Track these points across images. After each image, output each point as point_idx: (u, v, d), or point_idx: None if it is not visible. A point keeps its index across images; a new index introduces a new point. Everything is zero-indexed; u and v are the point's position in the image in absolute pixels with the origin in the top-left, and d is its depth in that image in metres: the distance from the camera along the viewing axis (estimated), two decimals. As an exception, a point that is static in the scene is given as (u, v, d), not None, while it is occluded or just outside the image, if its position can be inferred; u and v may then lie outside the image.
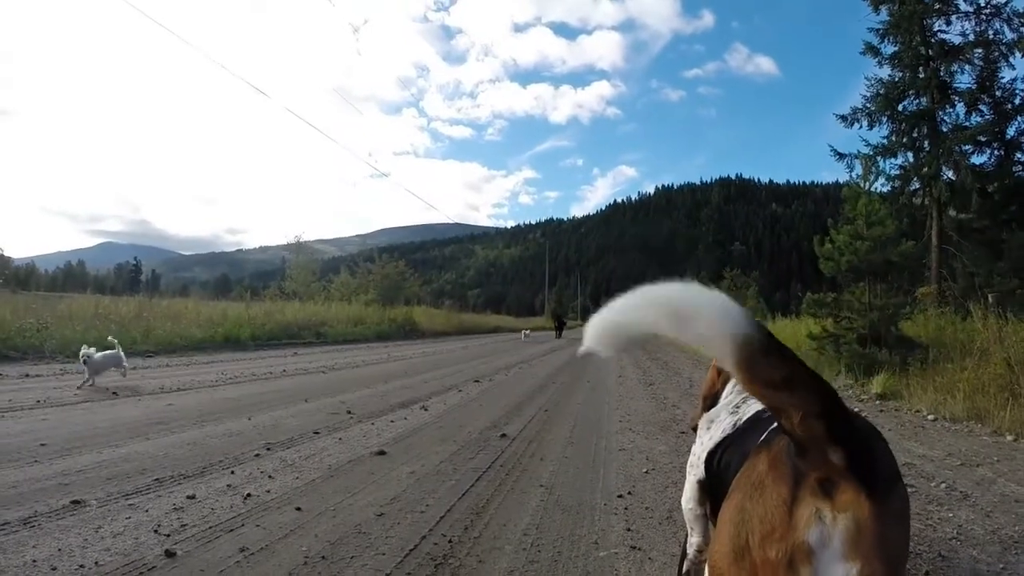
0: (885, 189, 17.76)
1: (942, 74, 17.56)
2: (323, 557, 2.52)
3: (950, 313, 11.78)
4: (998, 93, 16.91)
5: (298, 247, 37.87)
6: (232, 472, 3.69)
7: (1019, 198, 16.28)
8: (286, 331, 18.33)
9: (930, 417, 6.71)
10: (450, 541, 2.75)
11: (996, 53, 16.82)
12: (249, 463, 3.91)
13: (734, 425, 1.90)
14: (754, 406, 1.89)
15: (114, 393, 6.48)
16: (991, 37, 16.91)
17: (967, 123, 17.30)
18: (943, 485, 3.91)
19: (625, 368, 12.19)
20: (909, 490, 3.71)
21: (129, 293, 25.88)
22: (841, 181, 19.74)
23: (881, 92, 18.47)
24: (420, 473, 3.84)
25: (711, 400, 2.24)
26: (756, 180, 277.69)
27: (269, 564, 2.43)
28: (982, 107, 17.21)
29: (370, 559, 2.53)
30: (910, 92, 18.23)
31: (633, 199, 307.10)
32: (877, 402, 7.95)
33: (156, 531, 2.73)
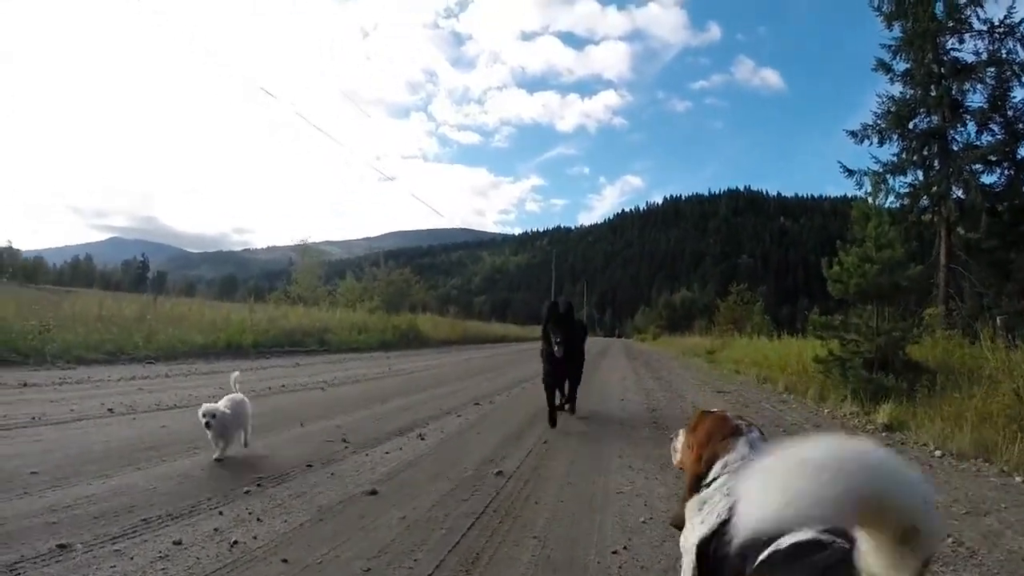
0: (895, 206, 17.78)
1: (954, 92, 17.56)
2: (306, 623, 2.47)
3: (958, 336, 11.71)
4: (1010, 113, 16.94)
5: (304, 249, 37.97)
6: (220, 513, 3.63)
7: (1028, 219, 16.25)
8: (289, 338, 18.28)
9: (937, 453, 6.64)
10: (437, 605, 2.70)
11: (1008, 72, 16.83)
12: (238, 501, 3.85)
13: (729, 509, 1.82)
14: None
15: (110, 410, 6.43)
16: (1004, 56, 16.90)
17: (978, 142, 17.35)
18: (950, 539, 3.84)
19: (628, 390, 12.12)
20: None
21: (136, 290, 26.03)
22: (849, 195, 19.81)
23: (892, 109, 18.49)
24: (411, 519, 3.77)
25: (698, 483, 2.13)
26: (764, 192, 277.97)
27: (250, 631, 2.38)
28: (993, 126, 17.25)
29: (354, 626, 2.47)
30: (921, 110, 18.25)
31: (640, 208, 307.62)
32: (883, 434, 7.87)
33: (139, 584, 2.68)
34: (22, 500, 3.58)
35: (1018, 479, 5.46)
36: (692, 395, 11.77)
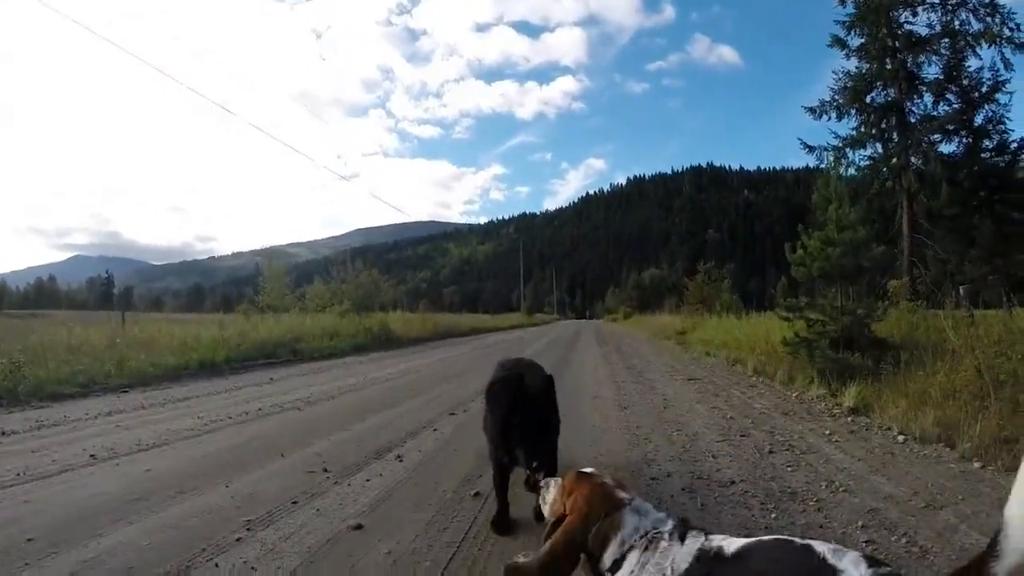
0: (856, 176, 18.28)
1: (909, 65, 18.04)
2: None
3: (922, 308, 12.03)
4: (965, 82, 17.46)
5: (270, 253, 37.72)
6: (216, 565, 3.77)
7: (988, 185, 16.76)
8: (262, 350, 18.29)
9: (900, 437, 6.82)
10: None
11: (962, 43, 17.32)
12: (231, 551, 4.00)
13: None
14: (682, 562, 1.89)
15: (92, 456, 6.51)
16: (957, 27, 17.38)
17: (935, 113, 17.86)
18: (904, 539, 4.00)
19: (601, 385, 12.33)
20: (870, 546, 3.86)
21: (102, 308, 25.76)
22: (811, 166, 20.30)
23: (849, 84, 18.99)
24: (397, 552, 3.97)
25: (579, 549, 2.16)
26: (727, 167, 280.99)
27: None
28: (949, 96, 17.81)
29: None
30: (878, 84, 18.76)
31: (605, 191, 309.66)
32: (849, 418, 8.07)
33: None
34: (24, 573, 3.68)
35: (976, 464, 5.63)
36: (663, 386, 12.00)
